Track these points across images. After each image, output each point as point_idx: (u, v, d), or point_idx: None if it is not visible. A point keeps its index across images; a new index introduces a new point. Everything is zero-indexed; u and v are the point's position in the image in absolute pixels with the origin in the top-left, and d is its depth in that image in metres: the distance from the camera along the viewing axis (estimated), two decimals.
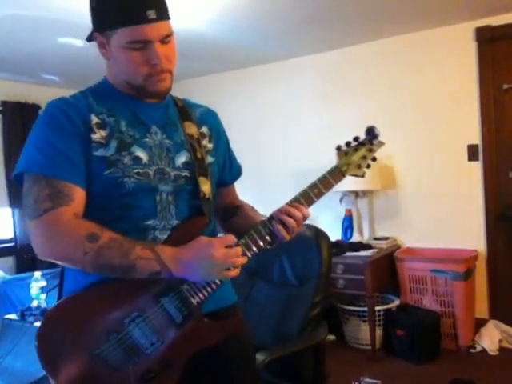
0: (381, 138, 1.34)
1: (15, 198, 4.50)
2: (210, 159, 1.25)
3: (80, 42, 3.52)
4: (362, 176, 1.27)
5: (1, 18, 2.97)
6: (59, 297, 1.19)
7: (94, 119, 1.10)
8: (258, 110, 4.27)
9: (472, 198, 3.44)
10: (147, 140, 1.14)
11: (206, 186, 1.19)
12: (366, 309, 3.23)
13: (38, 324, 2.82)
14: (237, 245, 1.08)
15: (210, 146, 1.27)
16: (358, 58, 3.85)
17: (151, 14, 1.05)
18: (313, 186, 1.18)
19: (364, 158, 1.25)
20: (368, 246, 3.37)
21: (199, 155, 1.20)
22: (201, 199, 1.17)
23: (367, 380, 2.64)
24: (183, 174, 1.16)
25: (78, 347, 1.04)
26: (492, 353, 3.11)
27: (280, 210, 1.14)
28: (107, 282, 1.07)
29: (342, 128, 3.94)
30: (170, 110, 1.23)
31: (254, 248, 1.11)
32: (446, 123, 3.50)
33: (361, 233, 3.70)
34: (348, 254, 3.27)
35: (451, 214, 3.51)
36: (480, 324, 3.30)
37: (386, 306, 3.33)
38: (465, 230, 3.46)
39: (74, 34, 3.35)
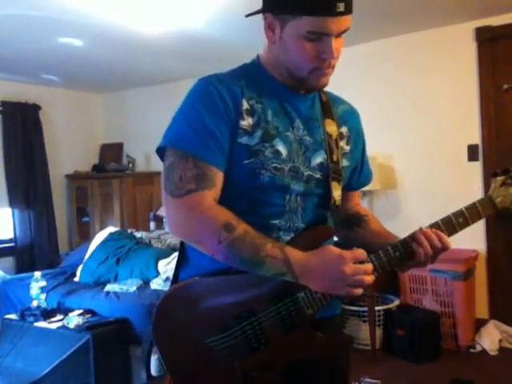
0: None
1: (15, 198, 4.51)
2: (345, 162, 1.19)
3: (80, 42, 3.53)
4: None
5: (1, 17, 2.97)
6: (176, 276, 1.17)
7: (245, 104, 1.06)
8: None
9: (472, 198, 3.39)
10: (289, 134, 1.10)
11: (337, 192, 1.14)
12: (365, 309, 3.23)
13: (38, 324, 2.83)
14: (367, 261, 1.01)
15: (347, 148, 1.21)
16: (358, 57, 3.85)
17: (341, 6, 1.00)
18: (459, 213, 1.06)
19: None
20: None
21: (335, 158, 1.15)
22: (330, 205, 1.14)
23: (367, 380, 2.64)
24: (316, 176, 1.12)
25: (191, 333, 1.05)
26: (492, 353, 3.10)
27: (421, 231, 1.04)
28: (230, 274, 1.05)
29: None
30: (315, 103, 1.17)
31: (387, 267, 1.03)
32: (446, 123, 3.49)
33: None
34: None
35: None
36: (480, 324, 3.30)
37: (386, 306, 3.33)
38: (465, 230, 3.46)
39: (74, 34, 3.35)
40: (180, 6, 2.92)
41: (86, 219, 5.05)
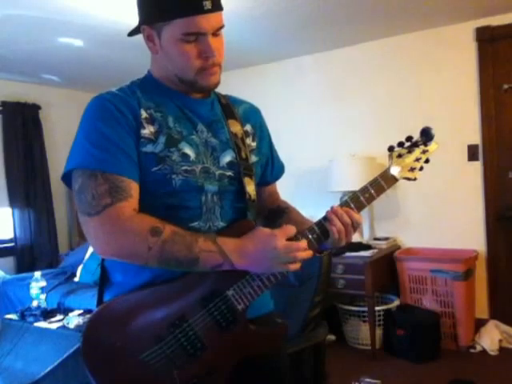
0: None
1: (15, 198, 4.50)
2: (253, 158, 1.22)
3: (80, 42, 3.53)
4: (415, 179, 1.19)
5: (1, 18, 2.97)
6: (100, 298, 1.16)
7: (144, 114, 1.07)
8: None
9: (472, 197, 3.44)
10: (194, 137, 1.11)
11: (250, 187, 1.17)
12: (365, 309, 3.23)
13: (38, 324, 2.83)
14: (297, 239, 1.06)
15: (254, 144, 1.24)
16: (358, 57, 3.85)
17: (207, 4, 1.02)
18: (364, 190, 1.13)
19: (417, 160, 1.19)
20: (368, 247, 3.37)
21: (244, 155, 1.17)
22: (246, 201, 1.15)
23: (367, 380, 2.64)
24: (227, 174, 1.14)
25: (124, 351, 1.03)
26: (492, 353, 3.11)
27: (331, 212, 1.10)
28: (153, 286, 1.05)
29: (342, 127, 3.95)
30: (215, 106, 1.20)
31: (313, 246, 1.08)
32: (446, 123, 3.49)
33: (361, 233, 3.70)
34: (348, 254, 3.26)
35: (451, 214, 3.51)
36: (480, 324, 3.30)
37: (385, 306, 3.33)
38: (465, 230, 3.46)
39: (74, 34, 3.35)
40: None
41: None
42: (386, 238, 3.57)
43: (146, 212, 1.03)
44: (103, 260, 1.17)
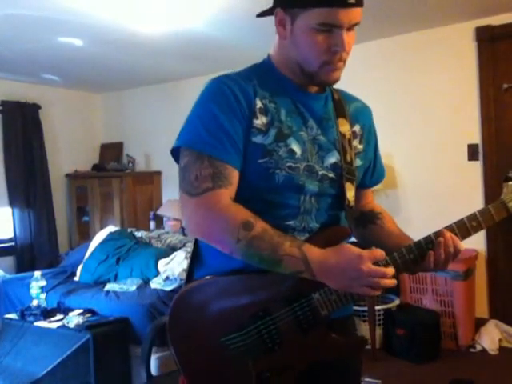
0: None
1: (15, 198, 4.51)
2: (358, 162, 1.18)
3: (80, 42, 3.53)
4: None
5: (1, 17, 2.97)
6: (189, 276, 1.17)
7: (258, 103, 1.06)
8: None
9: (472, 197, 3.44)
10: (302, 133, 1.09)
11: (351, 193, 1.14)
12: (365, 308, 3.23)
13: (38, 323, 2.83)
14: (386, 263, 0.99)
15: (361, 147, 1.20)
16: (358, 57, 3.83)
17: None
18: (472, 217, 1.05)
19: None
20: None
21: (349, 158, 1.14)
22: (345, 206, 1.13)
23: (367, 379, 2.64)
24: (329, 176, 1.11)
25: (206, 331, 1.05)
26: (492, 352, 3.10)
27: (437, 237, 1.02)
28: (244, 274, 1.06)
29: None
30: (328, 103, 1.17)
31: (402, 269, 1.02)
32: (446, 123, 3.49)
33: None
34: None
35: (451, 213, 3.48)
36: (480, 323, 3.30)
37: (385, 306, 3.33)
38: None
39: (74, 33, 3.35)
40: (180, 6, 2.92)
41: (85, 219, 5.05)
42: None
43: (243, 204, 1.03)
44: (197, 239, 1.16)
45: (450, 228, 1.05)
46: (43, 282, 3.08)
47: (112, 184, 4.83)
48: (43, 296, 3.06)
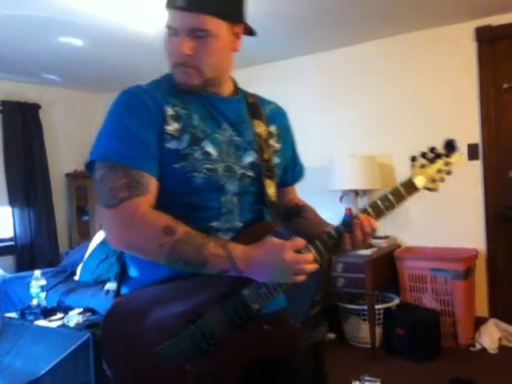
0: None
1: (15, 197, 4.51)
2: (276, 160, 1.22)
3: (80, 42, 3.53)
4: (436, 190, 1.18)
5: (1, 18, 2.97)
6: (118, 290, 1.17)
7: (169, 111, 1.08)
8: None
9: (472, 197, 3.45)
10: (217, 136, 1.11)
11: (271, 189, 1.17)
12: (365, 307, 3.24)
13: (38, 322, 2.83)
14: (308, 250, 1.04)
15: (278, 146, 1.24)
16: (358, 57, 3.85)
17: (179, 1, 1.01)
18: (384, 198, 1.12)
19: (440, 171, 1.17)
20: (368, 245, 3.37)
21: (266, 156, 1.17)
22: (266, 202, 1.15)
23: (367, 378, 2.64)
24: (248, 174, 1.14)
25: (139, 344, 1.05)
26: (492, 351, 3.11)
27: (360, 217, 1.08)
28: (171, 281, 1.06)
29: (343, 128, 3.95)
30: (241, 105, 1.20)
31: (325, 254, 1.07)
32: (446, 123, 3.50)
33: None
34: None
35: (451, 213, 3.51)
36: (480, 322, 3.30)
37: (385, 305, 3.34)
38: (465, 228, 3.47)
39: (75, 33, 3.35)
40: None
41: (85, 218, 5.06)
42: (386, 237, 3.57)
43: (164, 210, 1.03)
44: (122, 253, 1.17)
45: (364, 210, 1.11)
46: (43, 281, 3.09)
47: None
48: (43, 295, 3.06)
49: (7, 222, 4.49)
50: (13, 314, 3.02)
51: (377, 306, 3.28)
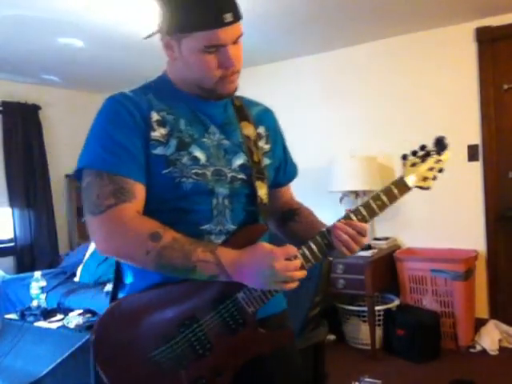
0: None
1: (15, 198, 4.50)
2: (266, 161, 1.21)
3: (80, 42, 3.53)
4: (428, 188, 1.19)
5: (1, 18, 2.97)
6: (113, 296, 1.18)
7: (155, 116, 1.08)
8: None
9: (472, 197, 3.44)
10: (205, 140, 1.11)
11: (262, 191, 1.16)
12: (365, 309, 3.23)
13: (38, 324, 2.83)
14: (296, 257, 1.04)
15: (267, 147, 1.24)
16: (359, 57, 3.85)
17: (228, 16, 1.01)
18: (376, 197, 1.11)
19: (431, 169, 1.18)
20: (368, 246, 3.37)
21: (256, 158, 1.17)
22: (258, 204, 1.15)
23: (367, 380, 2.64)
24: (239, 177, 1.13)
25: (134, 349, 1.05)
26: (492, 352, 3.11)
27: (335, 225, 1.08)
28: (165, 286, 1.06)
29: (343, 128, 3.95)
30: (228, 108, 1.19)
31: (312, 260, 1.07)
32: (446, 123, 3.49)
33: None
34: None
35: (451, 214, 3.51)
36: (480, 324, 3.30)
37: (385, 306, 3.33)
38: (465, 229, 3.46)
39: (74, 34, 3.35)
40: None
41: None
42: (386, 238, 3.57)
43: (153, 215, 1.04)
44: (117, 261, 1.17)
45: (355, 211, 1.10)
46: (43, 283, 3.08)
47: None
48: (43, 296, 3.06)
49: (7, 223, 4.49)
50: (13, 316, 3.02)
51: (377, 308, 3.28)
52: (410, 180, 1.15)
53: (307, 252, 1.06)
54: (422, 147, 1.17)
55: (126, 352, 1.05)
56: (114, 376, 1.06)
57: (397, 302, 3.38)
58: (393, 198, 1.12)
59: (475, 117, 3.41)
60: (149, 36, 1.18)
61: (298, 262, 1.02)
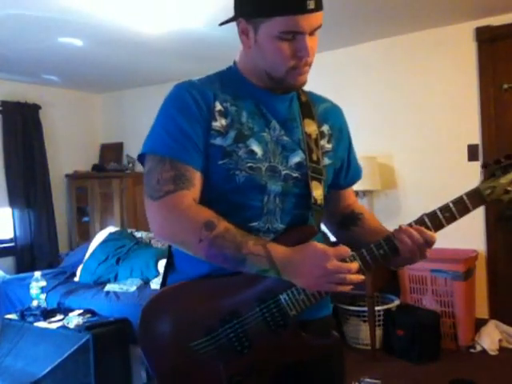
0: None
1: (15, 198, 4.51)
2: (326, 161, 1.17)
3: (80, 42, 3.53)
4: (508, 203, 1.03)
5: (2, 18, 2.97)
6: (163, 283, 1.19)
7: (218, 106, 1.08)
8: None
9: None
10: (264, 134, 1.10)
11: (318, 191, 1.13)
12: (365, 309, 3.23)
13: (38, 324, 2.83)
14: (354, 259, 0.99)
15: (329, 146, 1.20)
16: (359, 57, 3.85)
17: (311, 4, 0.99)
18: (445, 208, 1.04)
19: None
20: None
21: (315, 157, 1.14)
22: (311, 205, 1.12)
23: (367, 380, 2.64)
24: (294, 175, 1.11)
25: (176, 336, 1.06)
26: (492, 353, 3.10)
27: (401, 229, 1.03)
28: (212, 279, 1.07)
29: None
30: (293, 104, 1.17)
31: (373, 265, 1.01)
32: (446, 123, 3.49)
33: None
34: None
35: None
36: (480, 324, 3.30)
37: (386, 306, 3.33)
38: (465, 229, 3.45)
39: (75, 34, 3.35)
40: (180, 6, 2.92)
41: (85, 219, 5.05)
42: None
43: (208, 205, 1.04)
44: (170, 245, 1.18)
45: (421, 220, 1.05)
46: (43, 283, 3.08)
47: (112, 184, 4.83)
48: (43, 296, 3.06)
49: (7, 223, 4.50)
50: (13, 316, 3.02)
51: (377, 308, 3.28)
52: (488, 192, 1.02)
53: (367, 256, 1.01)
54: (508, 156, 1.03)
55: (168, 339, 1.07)
56: (154, 358, 1.09)
57: (397, 302, 3.38)
58: (464, 211, 1.03)
59: (475, 117, 3.41)
60: (225, 22, 1.14)
61: (354, 264, 0.97)
